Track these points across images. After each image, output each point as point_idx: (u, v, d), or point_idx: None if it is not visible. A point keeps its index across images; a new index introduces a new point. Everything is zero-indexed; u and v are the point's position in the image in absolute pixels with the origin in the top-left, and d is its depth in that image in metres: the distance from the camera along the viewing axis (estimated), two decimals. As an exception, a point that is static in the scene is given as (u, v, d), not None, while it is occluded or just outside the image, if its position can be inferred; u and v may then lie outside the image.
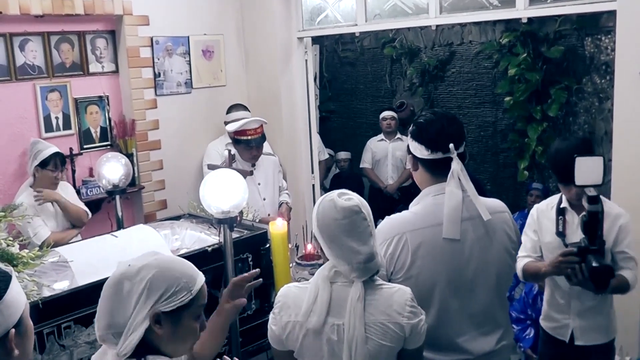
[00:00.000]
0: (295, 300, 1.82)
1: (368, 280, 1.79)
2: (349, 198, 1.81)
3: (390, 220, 2.05)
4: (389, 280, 1.95)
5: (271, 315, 1.87)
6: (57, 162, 3.59)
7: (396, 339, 1.76)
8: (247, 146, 3.86)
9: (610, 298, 2.60)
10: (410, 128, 2.08)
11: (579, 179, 2.20)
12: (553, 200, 2.67)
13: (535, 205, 2.72)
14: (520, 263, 2.60)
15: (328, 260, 1.83)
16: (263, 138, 3.95)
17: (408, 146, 2.11)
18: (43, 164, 3.55)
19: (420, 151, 2.02)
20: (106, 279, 1.47)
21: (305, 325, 1.77)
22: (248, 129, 3.83)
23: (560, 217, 2.57)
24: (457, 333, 1.99)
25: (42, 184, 3.58)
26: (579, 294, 2.56)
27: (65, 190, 3.75)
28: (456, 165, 1.96)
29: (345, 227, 1.76)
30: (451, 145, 1.96)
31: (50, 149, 3.60)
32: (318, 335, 1.77)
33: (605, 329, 2.61)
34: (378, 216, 5.86)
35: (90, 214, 3.80)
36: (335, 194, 1.83)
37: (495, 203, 2.12)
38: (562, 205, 2.59)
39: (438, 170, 2.01)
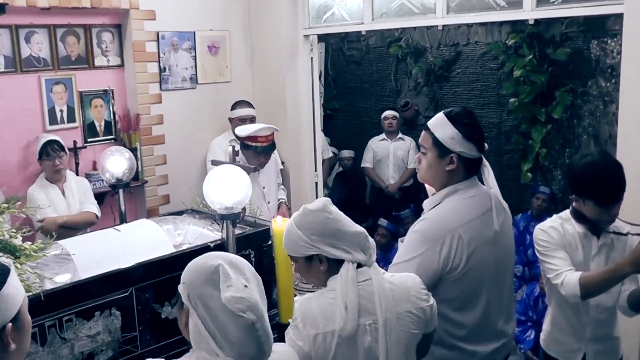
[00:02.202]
0: (321, 311, 1.75)
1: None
2: (313, 203, 1.85)
3: (433, 221, 2.01)
4: (440, 280, 1.98)
5: (293, 331, 1.79)
6: (49, 151, 3.63)
7: (421, 324, 1.79)
8: (256, 152, 3.83)
9: (617, 317, 2.48)
10: (458, 127, 1.99)
11: None
12: (554, 223, 2.39)
13: (546, 226, 2.37)
14: (572, 276, 2.19)
15: (326, 286, 1.81)
16: (273, 146, 3.91)
17: (438, 143, 2.03)
18: (40, 156, 3.64)
19: (471, 152, 2.03)
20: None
21: (338, 334, 1.72)
22: (260, 136, 3.79)
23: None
24: (497, 319, 2.08)
25: (49, 174, 3.67)
26: (596, 321, 2.39)
27: (80, 185, 3.80)
28: (487, 163, 2.06)
29: (336, 216, 1.80)
30: (486, 145, 2.05)
31: (43, 139, 3.66)
32: (352, 339, 1.73)
33: (617, 348, 2.52)
34: (379, 216, 5.79)
35: (99, 214, 3.80)
36: (298, 212, 1.85)
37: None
38: (582, 231, 2.33)
39: (473, 168, 2.07)
